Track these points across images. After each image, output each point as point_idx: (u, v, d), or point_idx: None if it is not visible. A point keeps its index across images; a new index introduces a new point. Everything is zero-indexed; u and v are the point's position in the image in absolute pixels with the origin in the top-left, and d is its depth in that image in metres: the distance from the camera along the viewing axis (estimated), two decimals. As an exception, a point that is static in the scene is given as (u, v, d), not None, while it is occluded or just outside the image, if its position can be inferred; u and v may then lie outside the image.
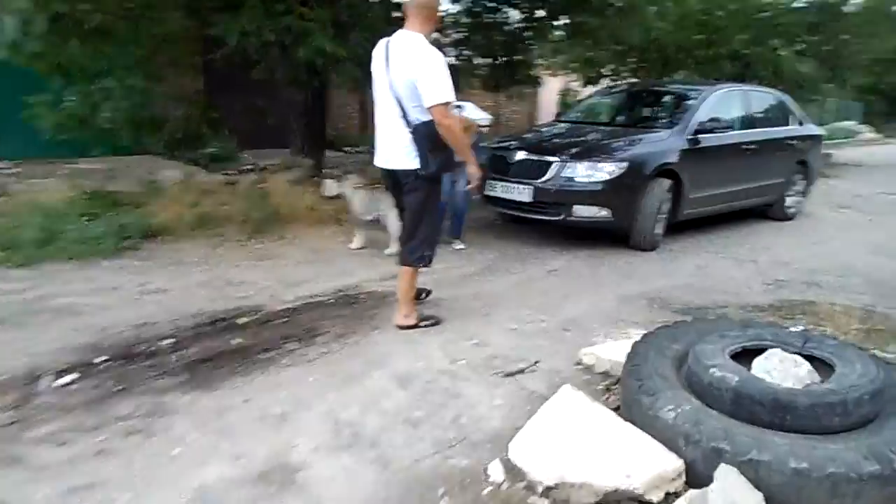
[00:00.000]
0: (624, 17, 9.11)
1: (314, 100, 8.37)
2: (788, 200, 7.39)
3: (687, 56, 11.32)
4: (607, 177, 5.35)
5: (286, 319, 3.80)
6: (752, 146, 6.52)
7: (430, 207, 3.57)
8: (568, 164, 5.40)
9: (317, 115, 8.86)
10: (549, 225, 5.66)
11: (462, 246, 5.56)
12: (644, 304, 4.25)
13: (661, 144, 5.73)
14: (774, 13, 12.51)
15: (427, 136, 3.30)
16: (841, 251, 6.02)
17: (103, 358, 3.15)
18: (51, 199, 5.79)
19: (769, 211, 7.26)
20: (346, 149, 14.69)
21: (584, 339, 3.48)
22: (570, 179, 5.38)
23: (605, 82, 15.08)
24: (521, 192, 5.54)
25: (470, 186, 3.77)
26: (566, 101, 18.78)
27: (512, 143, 6.05)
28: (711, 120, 6.05)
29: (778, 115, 7.15)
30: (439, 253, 3.89)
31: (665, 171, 5.61)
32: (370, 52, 3.54)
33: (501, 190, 5.71)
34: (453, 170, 3.91)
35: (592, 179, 5.35)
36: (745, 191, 6.67)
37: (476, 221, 6.28)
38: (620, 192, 5.40)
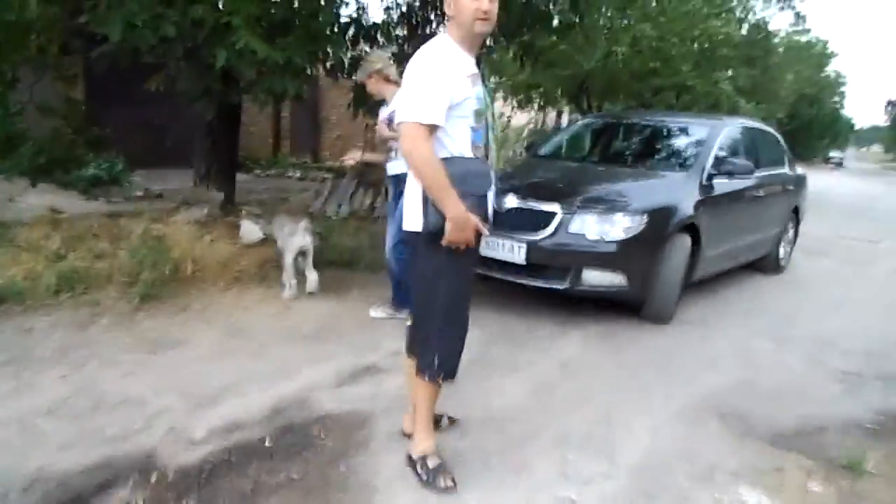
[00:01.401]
0: (585, 39, 8.17)
1: (226, 116, 6.76)
2: (780, 251, 6.55)
3: (639, 83, 10.58)
4: (622, 235, 4.16)
5: (191, 495, 2.28)
6: (760, 192, 5.59)
7: (437, 285, 2.31)
8: (576, 216, 4.17)
9: (227, 134, 7.26)
10: (540, 291, 4.38)
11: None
12: (718, 426, 3.05)
13: (679, 192, 4.63)
14: (715, 44, 12.10)
15: None
16: (862, 317, 5.18)
17: None
18: None
19: (760, 263, 6.36)
20: (256, 171, 12.96)
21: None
22: (579, 236, 4.15)
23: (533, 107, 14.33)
24: (511, 251, 4.25)
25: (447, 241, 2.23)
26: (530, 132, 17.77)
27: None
28: (723, 162, 5.04)
29: (775, 156, 6.29)
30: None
31: (685, 225, 4.51)
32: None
33: (484, 246, 4.40)
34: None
35: (607, 238, 4.14)
36: (750, 244, 5.73)
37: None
38: (638, 253, 4.23)
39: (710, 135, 5.20)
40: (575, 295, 4.30)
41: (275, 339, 3.80)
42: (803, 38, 26.51)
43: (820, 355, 4.18)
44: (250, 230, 5.52)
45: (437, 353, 2.34)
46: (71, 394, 2.96)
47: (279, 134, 14.71)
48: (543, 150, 5.99)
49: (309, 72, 6.27)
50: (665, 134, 5.66)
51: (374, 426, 2.82)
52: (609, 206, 4.25)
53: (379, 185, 8.31)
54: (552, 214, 4.21)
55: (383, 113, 4.13)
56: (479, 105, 2.23)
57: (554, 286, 4.23)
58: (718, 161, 5.01)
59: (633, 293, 4.32)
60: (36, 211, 6.00)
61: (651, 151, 5.52)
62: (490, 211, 2.34)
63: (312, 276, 4.64)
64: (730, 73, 12.58)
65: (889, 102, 72.23)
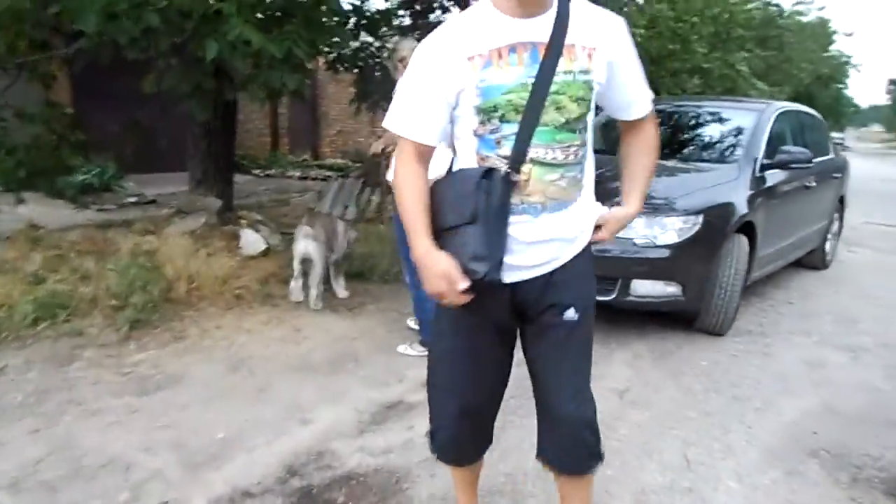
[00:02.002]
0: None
1: (221, 117, 6.26)
2: (827, 245, 6.04)
3: (656, 67, 10.04)
4: (676, 238, 3.66)
5: None
6: (812, 182, 5.07)
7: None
8: (622, 219, 3.66)
9: (223, 134, 6.76)
10: None
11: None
12: (817, 471, 2.54)
13: (732, 187, 4.11)
14: (736, 23, 11.53)
15: None
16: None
17: None
18: None
19: (806, 259, 5.84)
20: (255, 172, 12.44)
21: None
22: (625, 241, 3.64)
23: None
24: (548, 259, 3.74)
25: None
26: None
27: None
28: (776, 150, 4.52)
29: (822, 142, 5.77)
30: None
31: (742, 224, 4.00)
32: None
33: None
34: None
35: (658, 242, 3.64)
36: (801, 240, 5.22)
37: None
38: (694, 257, 3.72)
39: (758, 121, 4.67)
40: (623, 307, 3.79)
41: (283, 372, 3.30)
42: (804, 18, 25.90)
43: (903, 368, 3.68)
44: (252, 240, 5.03)
45: (430, 420, 1.84)
46: (44, 455, 2.46)
47: (277, 131, 14.16)
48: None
49: (309, 65, 5.77)
50: (707, 121, 5.12)
51: (413, 488, 2.33)
52: (658, 205, 3.73)
53: (388, 183, 7.81)
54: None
55: None
56: (487, 98, 1.46)
57: (600, 298, 3.72)
58: (770, 150, 4.49)
59: (689, 303, 3.82)
60: (17, 223, 5.50)
61: (693, 141, 4.99)
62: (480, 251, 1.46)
63: (313, 291, 4.18)
64: (745, 54, 12.01)
65: (891, 81, 71.61)
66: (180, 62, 4.68)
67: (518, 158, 1.47)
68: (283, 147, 14.17)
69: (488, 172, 1.47)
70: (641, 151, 1.67)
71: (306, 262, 4.22)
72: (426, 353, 3.59)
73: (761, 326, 4.34)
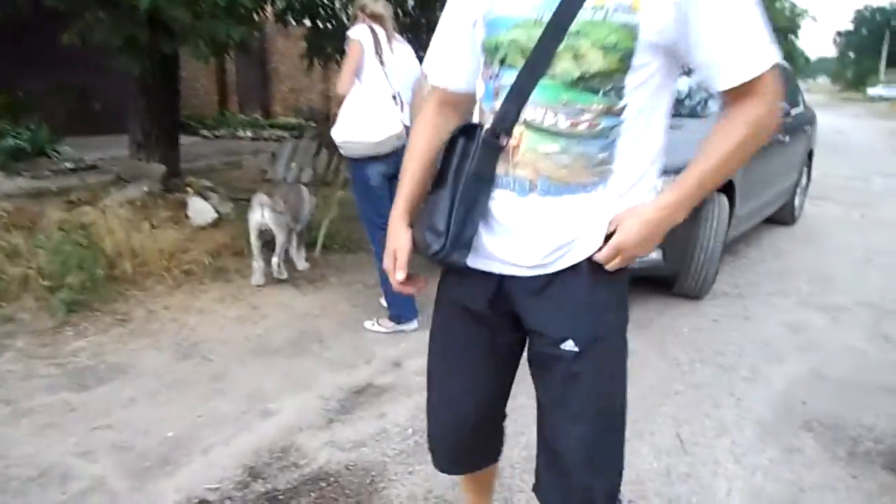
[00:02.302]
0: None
1: (162, 73, 5.78)
2: (796, 200, 5.97)
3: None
4: (656, 198, 3.46)
5: None
6: (786, 138, 4.93)
7: None
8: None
9: (165, 92, 6.28)
10: None
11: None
12: (814, 446, 2.42)
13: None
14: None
15: None
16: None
17: None
18: None
19: (776, 214, 5.75)
20: (203, 133, 11.82)
21: None
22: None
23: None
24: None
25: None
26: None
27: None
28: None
29: (794, 94, 5.62)
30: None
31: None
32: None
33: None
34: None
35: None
36: (774, 196, 5.11)
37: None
38: (674, 220, 3.53)
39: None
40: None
41: (240, 357, 3.02)
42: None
43: (881, 328, 3.61)
44: (200, 209, 4.66)
45: None
46: (-37, 468, 2.16)
47: (225, 89, 13.45)
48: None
49: (256, 16, 5.32)
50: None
51: (390, 487, 2.10)
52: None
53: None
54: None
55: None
56: (490, 34, 1.16)
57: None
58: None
59: (670, 267, 3.65)
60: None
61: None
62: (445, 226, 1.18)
63: (274, 259, 3.88)
64: None
65: (838, 33, 72.96)
66: (110, 12, 4.22)
67: (507, 117, 1.14)
68: (231, 106, 13.50)
69: (468, 129, 1.19)
70: (718, 131, 1.11)
71: (265, 234, 3.89)
72: (397, 328, 3.36)
73: (738, 288, 4.23)
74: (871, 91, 49.30)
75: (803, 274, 4.59)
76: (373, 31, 3.07)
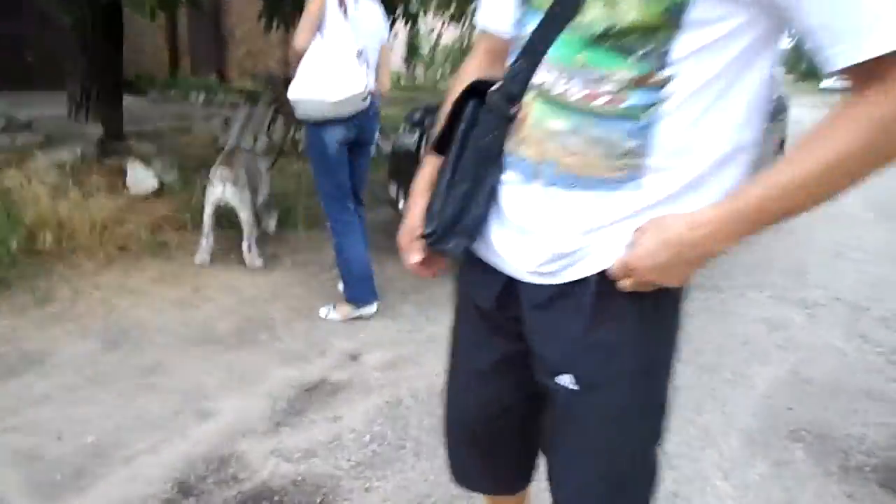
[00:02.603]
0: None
1: (104, 26, 5.30)
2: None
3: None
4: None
5: None
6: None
7: None
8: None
9: (106, 48, 5.76)
10: None
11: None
12: (805, 459, 2.25)
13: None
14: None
15: None
16: (865, 266, 4.56)
17: None
18: None
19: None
20: (152, 95, 11.15)
21: None
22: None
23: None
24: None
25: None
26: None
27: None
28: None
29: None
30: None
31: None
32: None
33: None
34: None
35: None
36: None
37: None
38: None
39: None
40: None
41: (178, 347, 2.69)
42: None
43: (858, 326, 3.49)
44: (141, 177, 4.24)
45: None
46: None
47: (176, 50, 12.72)
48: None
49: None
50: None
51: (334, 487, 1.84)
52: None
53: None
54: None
55: None
56: None
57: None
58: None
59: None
60: None
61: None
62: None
63: (244, 245, 3.55)
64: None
65: (795, 25, 74.12)
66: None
67: (517, 77, 0.87)
68: (184, 68, 12.79)
69: (478, 90, 0.92)
70: (821, 129, 0.75)
71: (219, 210, 3.54)
72: (354, 313, 3.08)
73: (712, 279, 4.07)
74: (823, 84, 50.56)
75: (776, 267, 4.46)
76: None
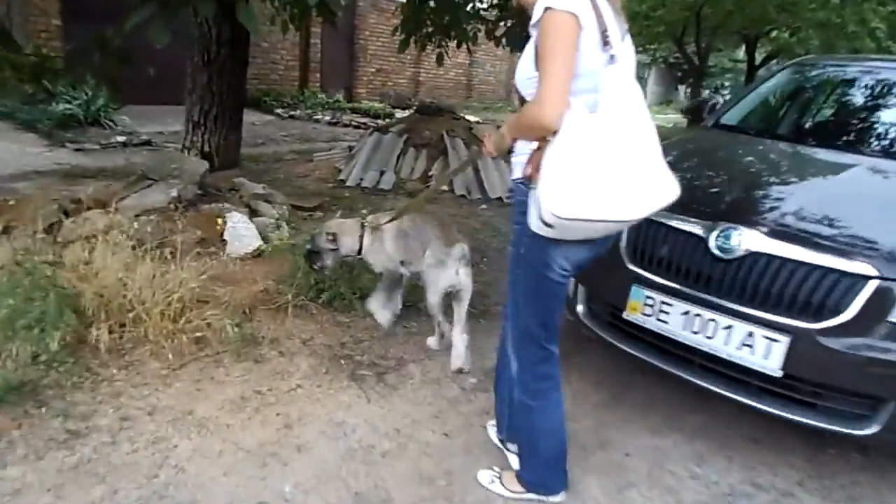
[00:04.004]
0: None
1: (230, 40, 4.70)
2: None
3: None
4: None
5: None
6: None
7: None
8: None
9: (231, 65, 5.16)
10: (794, 430, 2.13)
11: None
12: None
13: None
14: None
15: None
16: None
17: None
18: None
19: None
20: (278, 112, 10.75)
21: None
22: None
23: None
24: (748, 346, 2.03)
25: None
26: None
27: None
28: None
29: None
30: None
31: None
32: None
33: (679, 321, 2.18)
34: None
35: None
36: None
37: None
38: None
39: None
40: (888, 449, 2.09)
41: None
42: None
43: None
44: (242, 233, 3.35)
45: None
46: None
47: (308, 65, 12.32)
48: (726, 119, 3.51)
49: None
50: None
51: None
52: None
53: (438, 144, 6.04)
54: (856, 281, 1.93)
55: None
56: None
57: (844, 429, 2.00)
58: None
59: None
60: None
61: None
62: None
63: (459, 342, 2.57)
64: (880, 7, 9.68)
65: None
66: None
67: None
68: (313, 84, 12.37)
69: None
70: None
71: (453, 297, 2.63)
72: (528, 497, 1.92)
73: None
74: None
75: None
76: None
